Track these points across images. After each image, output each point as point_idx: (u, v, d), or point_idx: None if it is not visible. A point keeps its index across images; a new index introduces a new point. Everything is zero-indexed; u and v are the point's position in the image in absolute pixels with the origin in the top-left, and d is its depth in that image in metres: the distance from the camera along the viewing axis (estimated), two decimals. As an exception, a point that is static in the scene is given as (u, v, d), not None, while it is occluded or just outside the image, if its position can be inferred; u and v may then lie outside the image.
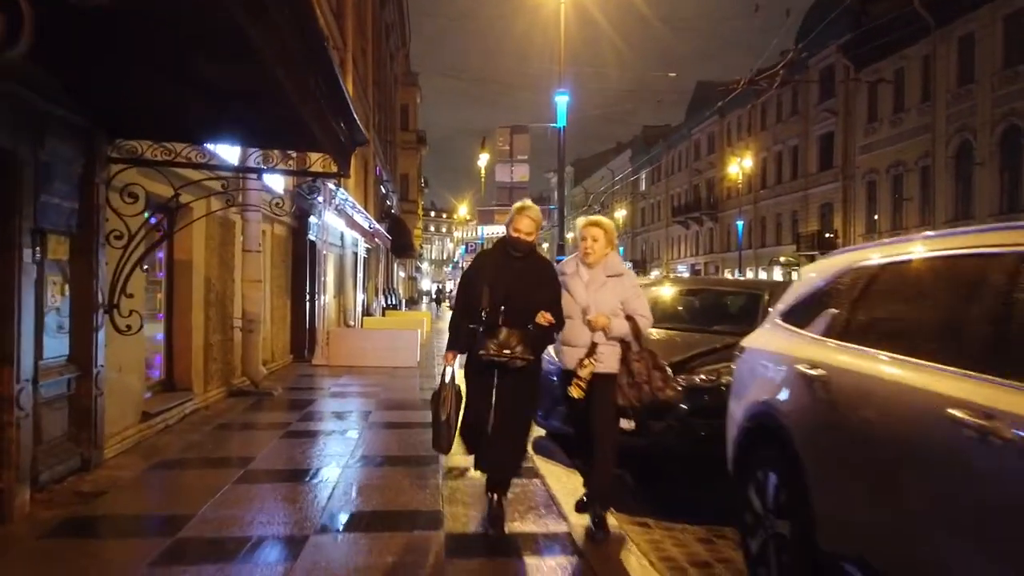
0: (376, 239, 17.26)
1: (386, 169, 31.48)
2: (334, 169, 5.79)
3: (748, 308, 6.67)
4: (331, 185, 12.14)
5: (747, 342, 4.12)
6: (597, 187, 71.57)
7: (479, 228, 58.13)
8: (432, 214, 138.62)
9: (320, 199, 12.20)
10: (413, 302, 56.24)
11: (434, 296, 60.37)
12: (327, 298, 16.19)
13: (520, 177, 15.12)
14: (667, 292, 7.63)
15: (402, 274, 50.33)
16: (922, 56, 33.21)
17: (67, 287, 4.73)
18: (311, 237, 12.73)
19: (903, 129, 34.78)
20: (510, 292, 3.90)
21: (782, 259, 45.67)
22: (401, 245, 28.24)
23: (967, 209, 30.58)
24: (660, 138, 70.90)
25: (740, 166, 42.55)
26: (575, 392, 3.97)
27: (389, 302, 31.03)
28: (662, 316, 6.45)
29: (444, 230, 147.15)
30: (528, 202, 4.20)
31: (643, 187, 75.16)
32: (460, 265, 66.51)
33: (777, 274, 44.99)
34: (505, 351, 3.80)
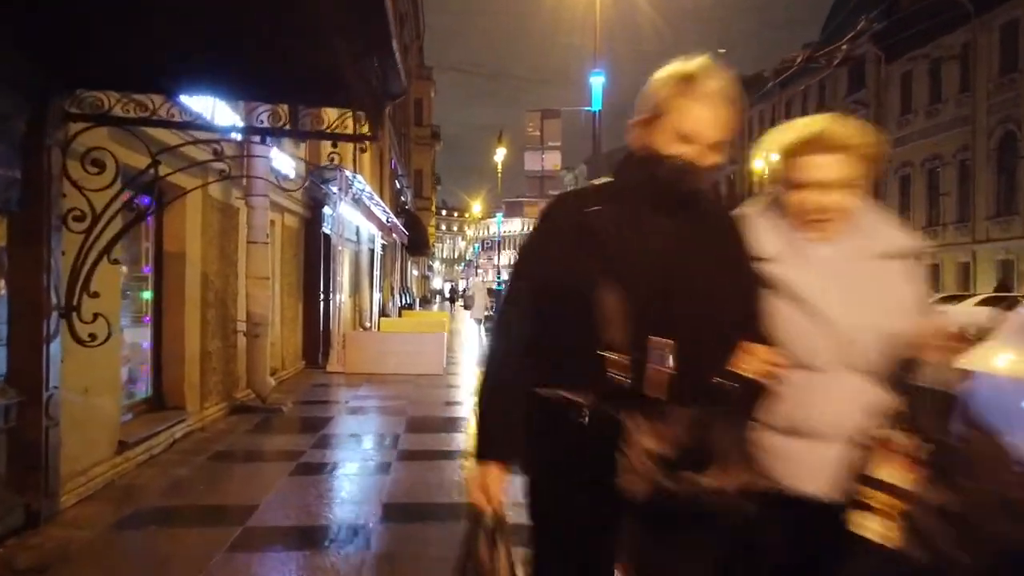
0: (393, 234, 16.05)
1: (401, 163, 30.30)
2: (361, 130, 4.50)
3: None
4: (347, 173, 10.92)
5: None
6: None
7: (495, 225, 56.55)
8: (444, 212, 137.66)
9: (335, 188, 10.98)
10: (427, 301, 55.09)
11: (448, 295, 59.21)
12: (342, 298, 14.98)
13: (552, 165, 13.85)
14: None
15: (415, 272, 49.17)
16: (960, 44, 31.66)
17: (2, 283, 3.51)
18: (325, 230, 11.52)
19: (940, 121, 33.23)
20: (672, 293, 1.56)
21: (807, 257, 44.18)
22: (416, 242, 27.04)
23: (1010, 204, 29.03)
24: (677, 134, 69.23)
25: (767, 161, 40.97)
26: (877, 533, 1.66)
27: (404, 302, 29.84)
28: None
29: (456, 228, 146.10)
30: (704, 63, 1.65)
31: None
32: (475, 263, 65.30)
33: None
34: (695, 477, 1.52)
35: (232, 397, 7.25)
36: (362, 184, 11.68)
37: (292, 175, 9.69)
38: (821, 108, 44.68)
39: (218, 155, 4.56)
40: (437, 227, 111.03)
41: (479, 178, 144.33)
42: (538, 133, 13.82)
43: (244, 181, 7.32)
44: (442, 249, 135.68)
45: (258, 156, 7.16)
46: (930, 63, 33.87)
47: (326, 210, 11.55)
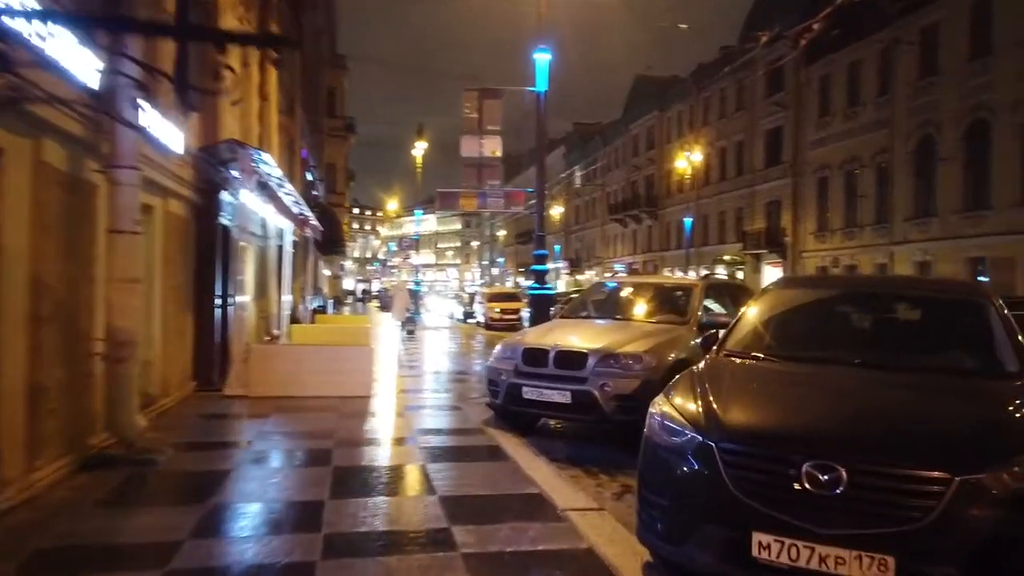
0: (307, 229, 14.01)
1: (312, 154, 27.92)
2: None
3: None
4: (252, 152, 8.93)
5: None
6: (530, 185, 69.21)
7: (411, 224, 54.29)
8: (357, 211, 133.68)
9: (236, 171, 8.96)
10: (340, 303, 52.28)
11: (359, 296, 56.45)
12: (245, 303, 12.83)
13: (492, 151, 12.21)
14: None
15: (327, 272, 46.42)
16: (879, 49, 32.12)
17: None
18: (223, 220, 9.45)
19: (858, 123, 33.68)
20: None
21: (726, 257, 44.36)
22: (330, 239, 24.83)
23: (928, 206, 29.54)
24: (596, 135, 69.21)
25: (689, 160, 40.83)
26: None
27: (317, 304, 27.47)
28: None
29: (368, 227, 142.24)
30: None
31: (578, 184, 73.28)
32: (389, 263, 62.85)
33: (721, 273, 43.50)
34: None
35: (83, 446, 5.23)
36: (270, 166, 9.69)
37: (180, 151, 7.65)
38: (740, 110, 45.06)
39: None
40: (351, 225, 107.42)
41: (396, 176, 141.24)
42: (476, 115, 12.14)
43: (104, 147, 5.33)
44: (354, 248, 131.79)
45: (125, 105, 5.19)
46: (849, 66, 34.30)
47: (225, 197, 9.48)
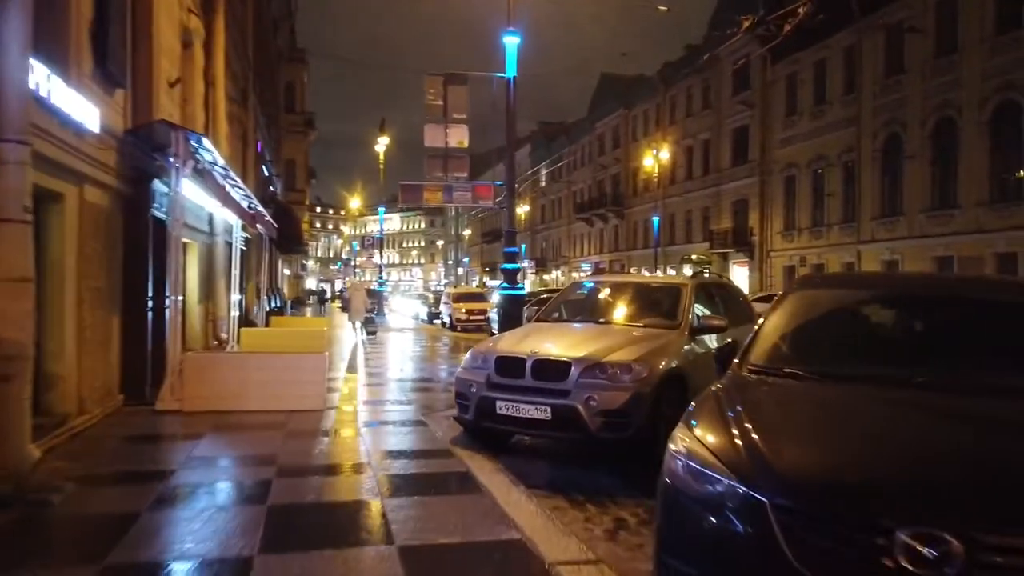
0: (259, 225, 12.96)
1: (269, 149, 26.69)
2: None
3: None
4: (191, 137, 7.91)
5: None
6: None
7: (375, 222, 52.83)
8: (319, 209, 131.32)
9: (173, 157, 7.93)
10: (301, 303, 50.79)
11: (319, 297, 54.91)
12: (187, 305, 11.74)
13: (458, 141, 11.33)
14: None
15: (287, 272, 44.97)
16: (845, 47, 32.01)
17: None
18: (157, 213, 8.42)
19: (825, 122, 33.56)
20: None
21: (693, 257, 44.00)
22: (288, 237, 23.65)
23: (895, 205, 29.47)
24: (561, 133, 68.62)
25: (656, 158, 40.39)
26: None
27: (274, 305, 26.25)
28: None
29: (331, 227, 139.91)
30: None
31: (543, 183, 72.63)
32: (353, 262, 61.40)
33: (688, 272, 43.18)
34: None
35: (-45, 486, 4.24)
36: (212, 153, 8.67)
37: (95, 129, 6.63)
38: (706, 108, 44.82)
39: None
40: (312, 224, 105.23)
41: (360, 175, 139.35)
42: (440, 102, 11.25)
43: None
44: (316, 248, 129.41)
45: (11, 63, 4.20)
46: (815, 65, 34.16)
47: (159, 187, 8.45)
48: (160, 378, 7.64)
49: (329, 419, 7.16)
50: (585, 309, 7.34)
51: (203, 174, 8.95)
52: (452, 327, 26.01)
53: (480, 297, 28.17)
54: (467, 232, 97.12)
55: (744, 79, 40.16)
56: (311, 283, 68.41)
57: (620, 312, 7.01)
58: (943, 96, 26.79)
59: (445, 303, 28.69)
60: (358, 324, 19.29)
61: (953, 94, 26.33)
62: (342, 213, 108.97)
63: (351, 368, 12.15)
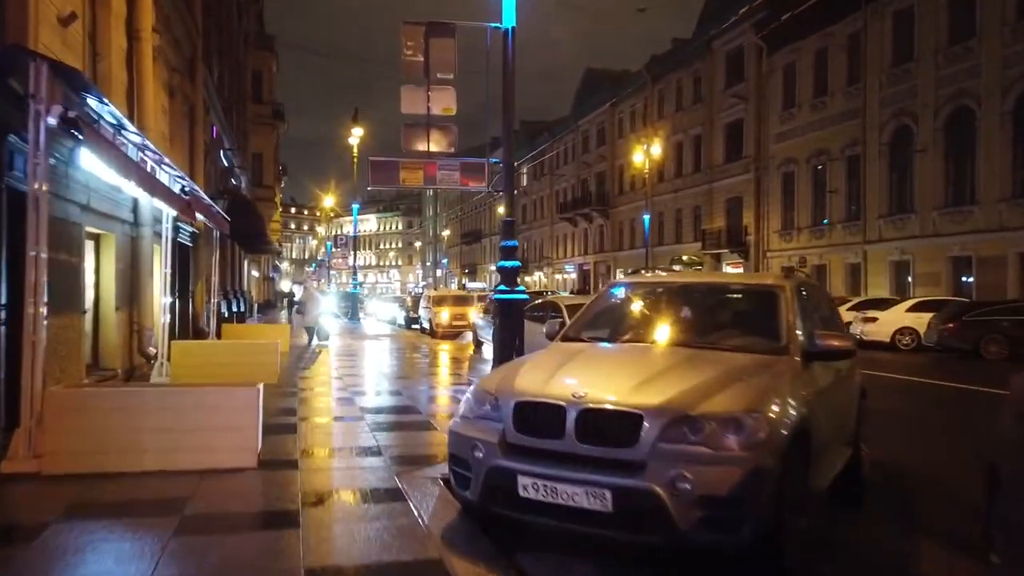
0: (200, 215, 10.56)
1: (229, 136, 24.19)
2: None
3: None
4: (58, 77, 5.56)
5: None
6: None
7: (351, 223, 50.15)
8: (293, 210, 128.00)
9: (32, 100, 5.53)
10: (271, 307, 48.02)
11: (289, 300, 51.64)
12: (100, 313, 9.34)
13: (443, 108, 9.04)
14: None
15: (255, 274, 42.26)
16: (848, 34, 30.22)
17: None
18: (14, 182, 6.05)
19: (827, 114, 31.74)
20: None
21: (684, 258, 42.06)
22: (252, 235, 21.17)
23: (905, 202, 27.68)
24: (543, 131, 66.51)
25: (647, 154, 38.39)
26: None
27: (236, 309, 23.73)
28: None
29: (307, 227, 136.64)
30: None
31: (524, 182, 70.49)
32: (327, 264, 58.65)
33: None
34: None
35: None
36: (109, 108, 6.33)
37: None
38: (697, 102, 42.93)
39: None
40: (285, 226, 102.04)
41: (336, 175, 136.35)
42: (421, 59, 8.95)
43: None
44: (291, 249, 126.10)
45: None
46: (816, 53, 32.35)
47: (15, 142, 6.07)
48: (13, 422, 5.28)
49: (257, 487, 4.85)
50: (634, 323, 5.08)
51: (102, 140, 6.58)
52: (432, 333, 23.69)
53: (464, 300, 25.88)
54: (446, 233, 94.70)
55: (738, 71, 38.34)
56: (286, 285, 65.39)
57: (690, 328, 4.75)
58: (958, 85, 25.03)
59: (425, 307, 26.36)
60: (311, 328, 18.05)
61: (970, 82, 24.57)
62: (317, 214, 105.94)
63: (306, 391, 9.87)
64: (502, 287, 8.60)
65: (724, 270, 37.85)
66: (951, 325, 16.84)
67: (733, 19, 37.56)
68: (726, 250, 38.87)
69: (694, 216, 43.26)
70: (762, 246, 36.42)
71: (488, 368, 13.16)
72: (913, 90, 26.96)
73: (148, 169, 8.54)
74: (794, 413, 3.68)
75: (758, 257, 36.61)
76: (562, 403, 3.63)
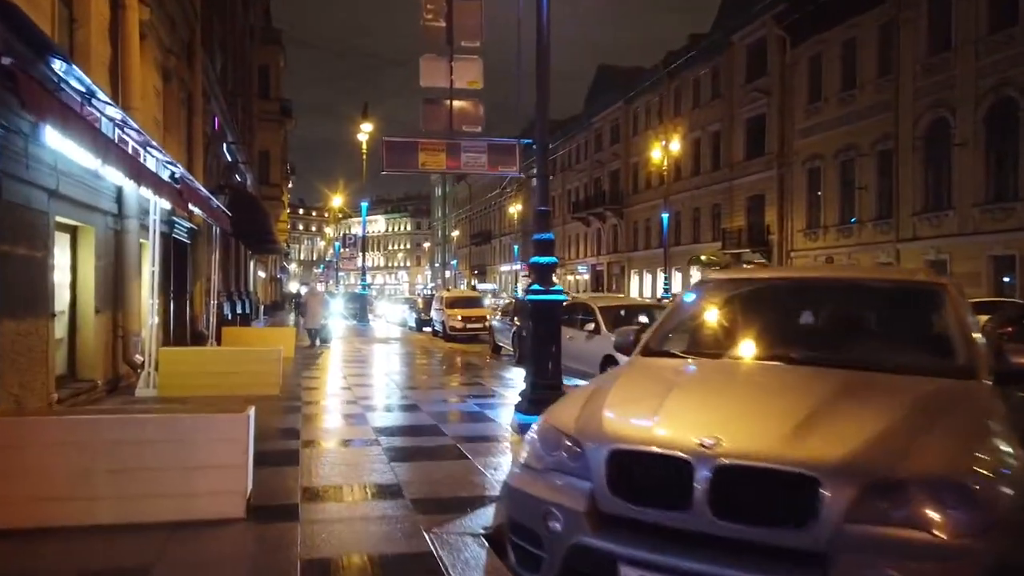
0: (192, 206, 9.42)
1: (234, 130, 23.11)
2: None
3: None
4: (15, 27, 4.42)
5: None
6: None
7: (359, 224, 49.21)
8: (301, 211, 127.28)
9: None
10: (278, 308, 47.01)
11: (295, 302, 50.55)
12: (78, 316, 8.19)
13: (468, 81, 7.87)
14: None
15: (262, 274, 41.25)
16: (879, 24, 28.87)
17: None
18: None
19: (855, 108, 30.37)
20: None
21: (703, 258, 40.79)
22: (254, 232, 20.07)
23: (941, 198, 26.32)
24: (555, 129, 65.29)
25: (664, 150, 37.14)
26: None
27: (241, 310, 22.65)
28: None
29: (315, 229, 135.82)
30: None
31: (534, 183, 69.17)
32: (335, 265, 57.72)
33: (695, 275, 39.90)
34: None
35: None
36: (87, 80, 5.19)
37: None
38: (716, 98, 41.63)
39: None
40: (294, 227, 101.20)
41: (346, 176, 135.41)
42: (443, 23, 7.80)
43: None
44: (299, 250, 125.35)
45: None
46: (843, 45, 31.01)
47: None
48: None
49: (243, 550, 3.67)
50: (743, 332, 3.81)
51: (56, 102, 5.42)
52: (446, 336, 22.53)
53: (477, 302, 24.74)
54: (455, 234, 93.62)
55: (759, 64, 37.03)
56: (294, 286, 64.37)
57: (824, 339, 3.52)
58: (1001, 74, 23.66)
59: (437, 309, 25.19)
60: (313, 329, 17.91)
61: (1013, 71, 23.20)
62: (325, 215, 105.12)
63: (310, 406, 8.73)
64: (535, 286, 7.42)
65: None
66: (1010, 329, 15.52)
67: (756, 8, 36.27)
68: (747, 249, 37.57)
69: (713, 215, 41.97)
70: (785, 245, 35.11)
71: (511, 375, 11.95)
72: (951, 81, 25.59)
73: (130, 150, 7.41)
74: (1018, 466, 2.47)
75: (781, 257, 35.31)
76: (685, 456, 2.43)
